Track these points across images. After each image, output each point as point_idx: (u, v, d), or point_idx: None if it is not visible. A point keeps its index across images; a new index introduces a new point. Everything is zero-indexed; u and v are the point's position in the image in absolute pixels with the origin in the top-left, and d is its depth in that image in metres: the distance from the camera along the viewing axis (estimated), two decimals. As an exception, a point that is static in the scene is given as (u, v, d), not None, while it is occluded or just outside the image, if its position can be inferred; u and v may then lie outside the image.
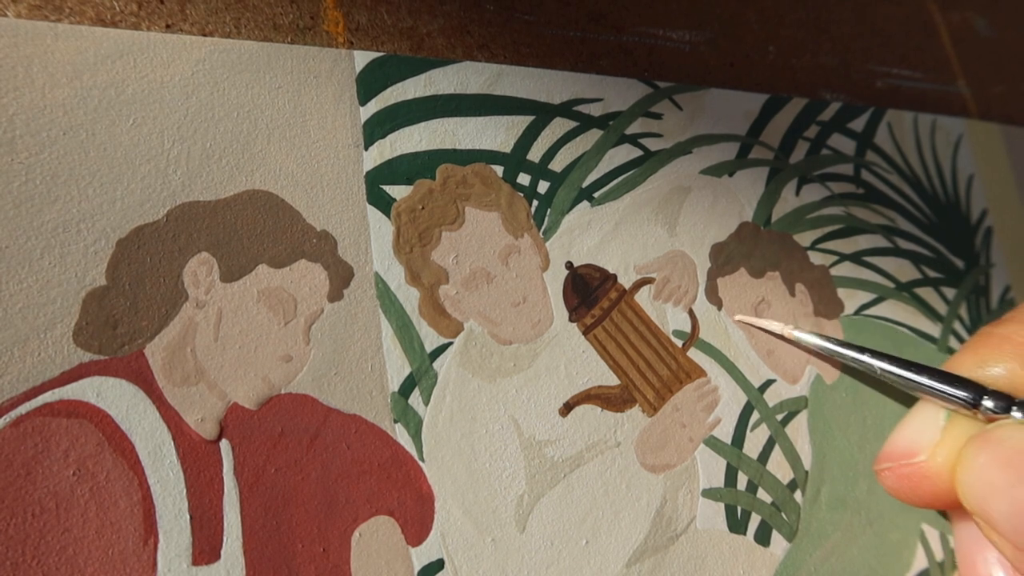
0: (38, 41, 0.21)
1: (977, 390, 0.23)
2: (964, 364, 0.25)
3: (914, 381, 0.25)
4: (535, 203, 0.27)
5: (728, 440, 0.28)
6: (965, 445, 0.23)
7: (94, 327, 0.20)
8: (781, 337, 0.29)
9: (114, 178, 0.21)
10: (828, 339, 0.28)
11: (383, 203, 0.25)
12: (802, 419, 0.29)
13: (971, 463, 0.22)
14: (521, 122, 0.28)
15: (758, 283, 0.30)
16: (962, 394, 0.24)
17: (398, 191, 0.25)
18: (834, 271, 0.33)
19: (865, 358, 0.27)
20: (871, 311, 0.33)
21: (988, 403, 0.23)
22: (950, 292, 0.35)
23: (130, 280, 0.21)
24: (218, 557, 0.20)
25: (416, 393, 0.24)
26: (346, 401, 0.23)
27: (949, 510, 0.27)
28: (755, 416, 0.29)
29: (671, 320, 0.28)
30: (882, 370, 0.26)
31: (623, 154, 0.29)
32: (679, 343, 0.28)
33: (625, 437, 0.26)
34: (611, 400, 0.26)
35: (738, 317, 0.28)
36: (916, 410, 0.26)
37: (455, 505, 0.23)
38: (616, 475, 0.26)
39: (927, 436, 0.25)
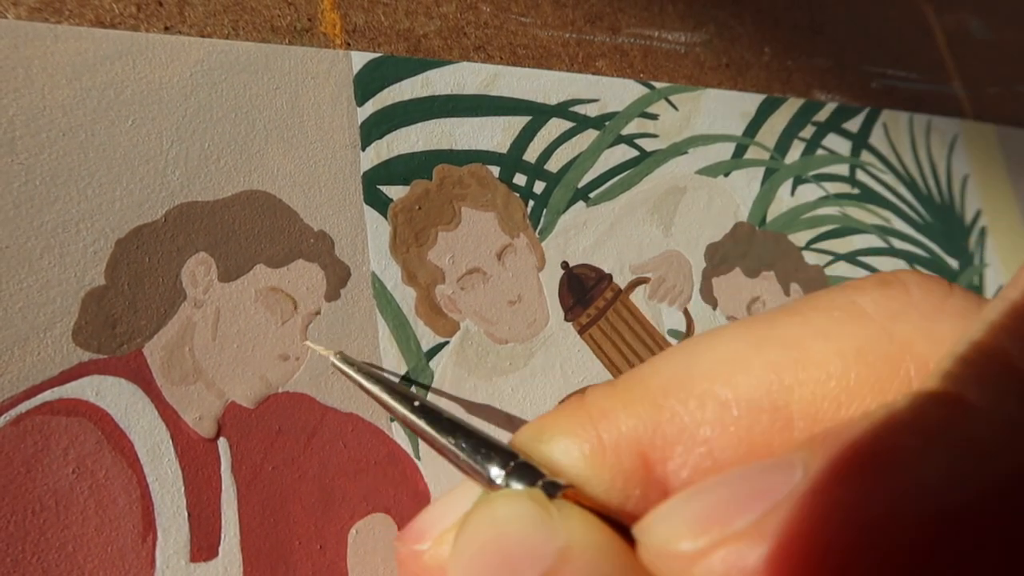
0: (38, 43, 0.21)
1: (505, 459, 0.17)
2: (524, 435, 0.18)
3: (441, 445, 0.19)
4: (531, 203, 0.27)
5: (723, 439, 0.28)
6: (457, 532, 0.17)
7: (93, 326, 0.20)
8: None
9: (113, 179, 0.21)
10: (367, 375, 0.21)
11: (380, 203, 0.25)
12: (796, 418, 0.30)
13: (458, 546, 0.16)
14: (517, 123, 0.28)
15: (753, 283, 0.31)
16: (480, 467, 0.17)
17: (395, 191, 0.25)
18: (829, 271, 0.33)
19: (390, 400, 0.20)
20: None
21: (514, 481, 0.17)
22: (944, 292, 0.35)
23: (129, 280, 0.21)
24: (216, 554, 0.20)
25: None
26: (343, 400, 0.23)
27: None
28: (750, 415, 0.29)
29: (666, 320, 0.28)
30: (403, 419, 0.20)
31: (619, 154, 0.29)
32: (674, 343, 0.28)
33: (620, 436, 0.26)
34: (606, 399, 0.26)
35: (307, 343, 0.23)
36: (457, 487, 0.19)
37: (451, 503, 0.23)
38: (611, 473, 0.26)
39: (447, 517, 0.18)
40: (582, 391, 0.19)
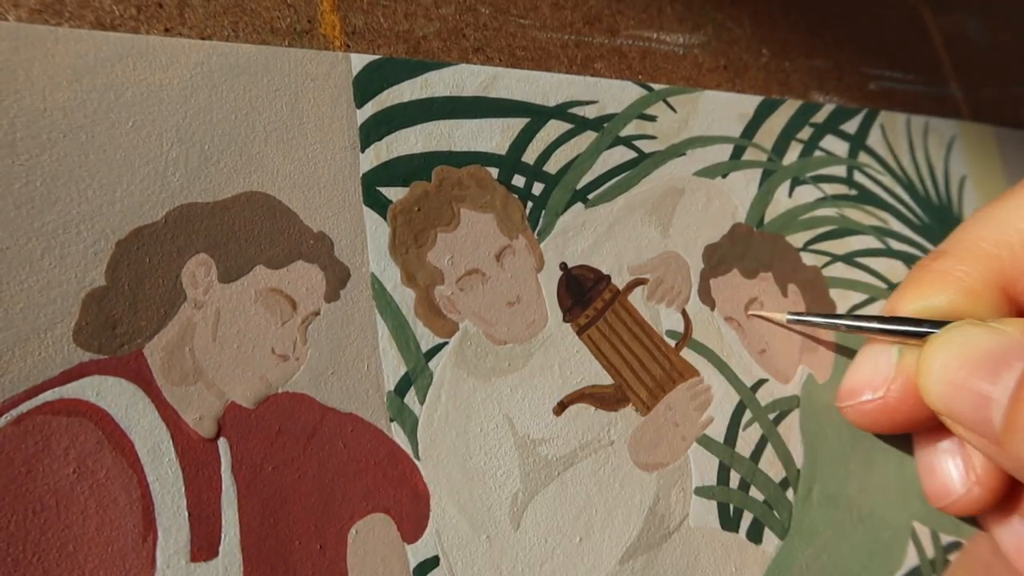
0: (39, 45, 0.21)
1: (922, 323, 0.26)
2: (907, 298, 0.27)
3: (872, 329, 0.28)
4: (530, 204, 0.27)
5: (721, 439, 0.28)
6: (922, 353, 0.25)
7: (94, 327, 0.20)
8: (782, 325, 0.31)
9: (113, 180, 0.22)
10: (811, 315, 0.30)
11: (379, 205, 0.25)
12: (794, 418, 0.30)
13: (930, 367, 0.24)
14: (516, 124, 0.28)
15: (751, 284, 0.31)
16: (913, 329, 0.26)
17: (394, 193, 0.25)
18: (827, 272, 0.33)
19: (830, 320, 0.29)
20: (864, 311, 0.33)
21: (932, 330, 0.25)
22: (942, 293, 0.35)
23: (129, 281, 0.21)
24: (216, 554, 0.20)
25: (412, 392, 0.24)
26: (342, 400, 0.23)
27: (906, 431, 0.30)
28: (747, 415, 0.29)
29: (664, 320, 0.29)
30: (846, 327, 0.29)
31: (617, 156, 0.30)
32: (672, 343, 0.28)
33: (618, 436, 0.26)
34: (605, 399, 0.27)
35: (751, 312, 0.30)
36: (866, 351, 0.28)
37: (450, 503, 0.24)
38: (609, 473, 0.26)
39: (883, 372, 0.27)
40: (929, 259, 0.28)
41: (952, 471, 0.28)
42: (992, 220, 0.27)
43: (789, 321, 0.30)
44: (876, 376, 0.27)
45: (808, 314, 0.30)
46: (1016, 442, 0.22)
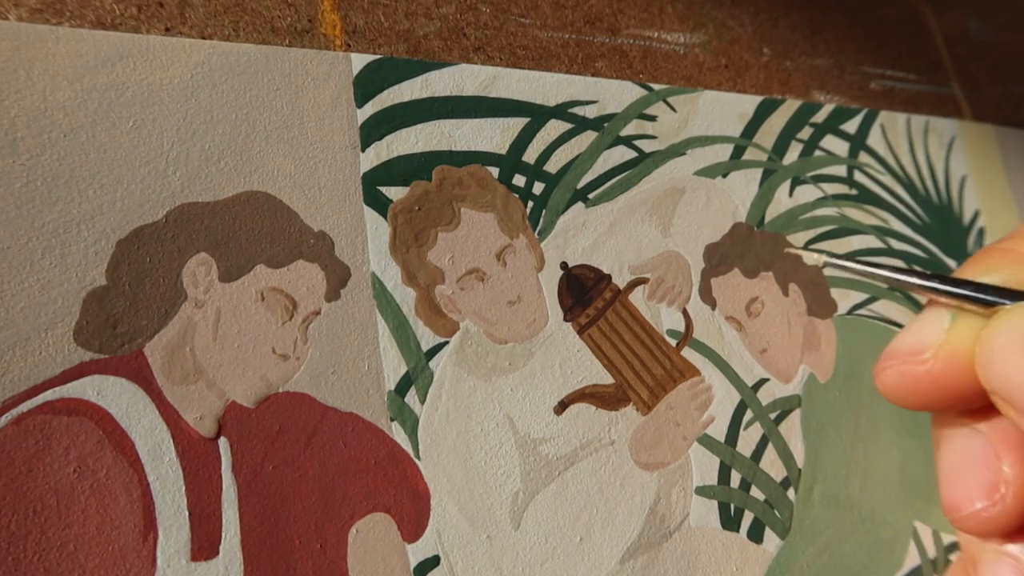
0: (39, 44, 0.21)
1: (987, 290, 0.25)
2: (969, 272, 0.26)
3: (930, 287, 0.26)
4: (530, 204, 0.27)
5: (721, 438, 0.28)
6: (987, 327, 0.24)
7: (94, 326, 0.21)
8: (817, 266, 0.29)
9: (114, 179, 0.22)
10: (850, 260, 0.28)
11: (380, 204, 0.25)
12: (795, 418, 0.30)
13: (992, 342, 0.23)
14: (517, 124, 0.28)
15: (752, 283, 0.31)
16: (974, 294, 0.25)
17: (395, 192, 0.25)
18: (827, 272, 0.33)
19: (882, 272, 0.28)
20: (864, 311, 0.33)
21: (998, 299, 0.24)
22: (943, 292, 0.35)
23: (130, 280, 0.21)
24: (216, 553, 0.20)
25: (412, 392, 0.24)
26: (343, 399, 0.23)
27: (937, 413, 0.28)
28: (748, 415, 0.29)
29: (665, 320, 0.29)
30: (897, 281, 0.27)
31: (618, 155, 0.30)
32: (673, 343, 0.28)
33: (619, 435, 0.26)
34: (605, 399, 0.27)
35: (788, 250, 0.28)
36: (921, 315, 0.27)
37: (451, 502, 0.24)
38: (610, 473, 0.26)
39: (932, 336, 0.26)
40: (996, 242, 0.27)
41: (978, 483, 0.26)
42: None
43: (826, 264, 0.28)
44: (924, 340, 0.26)
45: (849, 258, 0.28)
46: None
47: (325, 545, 0.22)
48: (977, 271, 0.26)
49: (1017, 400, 0.23)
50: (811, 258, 0.27)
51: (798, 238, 0.33)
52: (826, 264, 0.27)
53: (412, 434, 0.24)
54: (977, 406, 0.25)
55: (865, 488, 0.30)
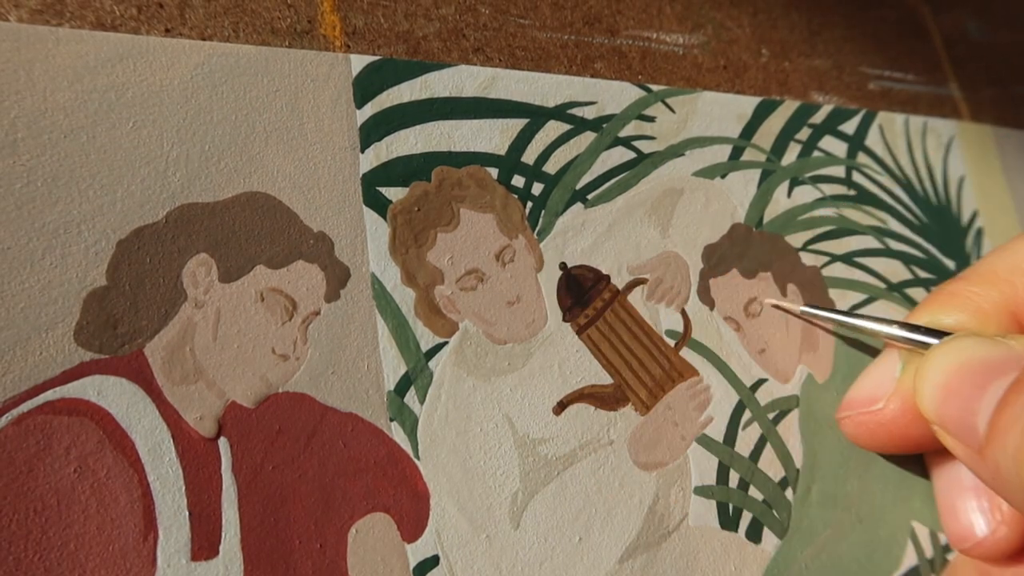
0: (39, 45, 0.21)
1: (929, 333, 0.26)
2: (917, 316, 0.28)
3: (879, 331, 0.28)
4: (529, 205, 0.27)
5: (720, 438, 0.28)
6: (922, 360, 0.25)
7: (95, 327, 0.21)
8: (795, 315, 0.31)
9: (114, 180, 0.22)
10: (815, 307, 0.31)
11: (379, 205, 0.25)
12: (793, 418, 0.30)
13: (927, 373, 0.24)
14: (516, 125, 0.28)
15: (750, 284, 0.31)
16: (917, 337, 0.26)
17: (394, 193, 0.25)
18: (826, 272, 0.33)
19: (842, 318, 0.30)
20: (864, 311, 0.33)
21: (933, 339, 0.26)
22: (941, 292, 0.35)
23: (130, 280, 0.21)
24: (216, 553, 0.21)
25: (412, 392, 0.24)
26: (343, 400, 0.23)
27: (912, 452, 0.30)
28: (747, 415, 0.29)
29: (664, 320, 0.29)
30: (851, 326, 0.29)
31: (616, 156, 0.30)
32: (672, 343, 0.29)
33: (618, 435, 0.26)
34: (604, 399, 0.27)
35: (768, 301, 0.31)
36: (875, 362, 0.28)
37: (450, 502, 0.24)
38: (609, 473, 0.26)
39: (884, 386, 0.27)
40: (945, 284, 0.28)
41: (976, 510, 0.27)
42: (1008, 250, 0.28)
43: (803, 313, 0.30)
44: (877, 389, 0.27)
45: (824, 308, 0.31)
46: (996, 450, 0.21)
47: (325, 545, 0.22)
48: (926, 314, 0.27)
49: (946, 425, 0.23)
50: (792, 308, 0.30)
51: (796, 238, 0.33)
52: (804, 314, 0.30)
53: (411, 434, 0.24)
54: (941, 445, 0.25)
55: (863, 488, 0.30)
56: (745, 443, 0.29)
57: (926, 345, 0.26)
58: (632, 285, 0.28)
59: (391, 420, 0.23)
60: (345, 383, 0.23)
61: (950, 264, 0.37)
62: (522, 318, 0.26)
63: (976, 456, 0.22)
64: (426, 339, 0.25)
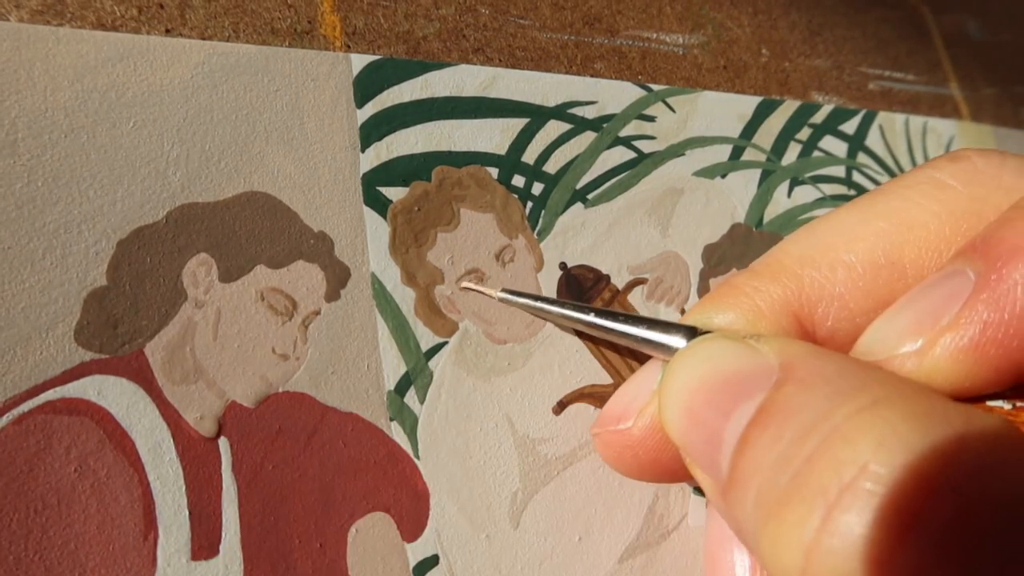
0: (40, 45, 0.21)
1: (690, 334, 0.21)
2: (689, 316, 0.22)
3: (623, 333, 0.22)
4: (529, 204, 0.27)
5: (720, 438, 0.28)
6: (664, 368, 0.19)
7: (95, 326, 0.21)
8: (493, 298, 0.26)
9: (115, 180, 0.22)
10: (535, 297, 0.26)
11: (379, 204, 0.25)
12: (793, 418, 0.30)
13: (670, 387, 0.19)
14: (516, 125, 0.28)
15: (750, 283, 0.31)
16: (669, 340, 0.21)
17: (394, 193, 0.25)
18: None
19: (571, 312, 0.24)
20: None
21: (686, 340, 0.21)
22: (941, 292, 0.36)
23: (130, 280, 0.21)
24: (217, 552, 0.21)
25: (412, 392, 0.24)
26: (343, 399, 0.23)
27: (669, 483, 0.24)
28: (746, 415, 0.29)
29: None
30: (591, 324, 0.23)
31: (617, 156, 0.30)
32: (672, 343, 0.29)
33: (618, 435, 0.26)
34: (604, 399, 0.27)
35: (465, 285, 0.25)
36: (638, 372, 0.23)
37: (450, 502, 0.24)
38: (609, 473, 0.26)
39: (638, 400, 0.22)
40: (728, 280, 0.22)
41: (736, 566, 0.22)
42: (805, 234, 0.22)
43: (501, 299, 0.25)
44: (632, 403, 0.22)
45: (524, 294, 0.25)
46: (736, 497, 0.17)
47: (325, 544, 0.22)
48: (697, 316, 0.22)
49: (692, 456, 0.18)
50: (488, 292, 0.25)
51: (796, 238, 0.33)
52: (501, 300, 0.25)
53: (411, 434, 0.24)
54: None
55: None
56: (745, 443, 0.29)
57: (671, 350, 0.21)
58: (632, 285, 0.28)
59: (391, 420, 0.23)
60: (345, 383, 0.23)
61: (950, 264, 0.37)
62: (522, 318, 0.26)
63: (720, 500, 0.17)
64: (426, 339, 0.25)
